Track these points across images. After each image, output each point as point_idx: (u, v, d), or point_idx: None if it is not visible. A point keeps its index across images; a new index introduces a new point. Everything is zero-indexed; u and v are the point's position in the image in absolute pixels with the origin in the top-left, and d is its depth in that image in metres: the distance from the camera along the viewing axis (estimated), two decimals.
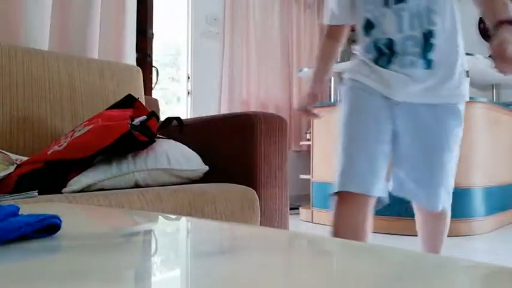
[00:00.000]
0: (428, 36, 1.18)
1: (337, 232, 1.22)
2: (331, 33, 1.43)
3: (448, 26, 1.21)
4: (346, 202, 1.21)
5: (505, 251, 2.38)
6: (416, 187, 1.30)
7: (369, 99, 1.24)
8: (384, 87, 1.23)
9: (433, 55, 1.19)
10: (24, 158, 1.23)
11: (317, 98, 1.44)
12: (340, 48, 1.49)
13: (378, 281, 0.32)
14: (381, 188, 1.23)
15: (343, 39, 1.45)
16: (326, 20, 1.42)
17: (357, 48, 1.32)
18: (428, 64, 1.20)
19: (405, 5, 1.17)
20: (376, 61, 1.24)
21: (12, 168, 1.16)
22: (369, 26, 1.24)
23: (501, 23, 1.06)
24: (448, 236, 1.41)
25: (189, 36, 3.64)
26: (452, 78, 1.23)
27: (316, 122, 3.35)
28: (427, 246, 1.43)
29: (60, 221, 0.46)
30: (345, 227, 1.22)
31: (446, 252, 1.47)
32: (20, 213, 0.47)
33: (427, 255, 0.40)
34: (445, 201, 1.29)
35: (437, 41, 1.18)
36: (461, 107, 1.26)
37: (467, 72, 1.30)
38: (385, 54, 1.23)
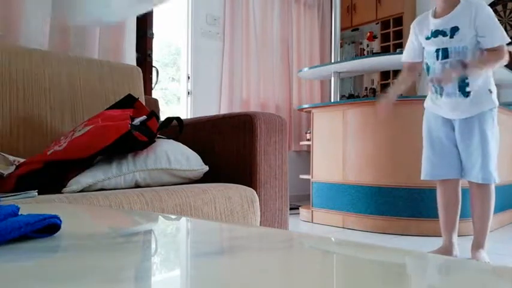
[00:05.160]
0: (462, 77, 1.92)
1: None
2: (408, 67, 2.22)
3: None
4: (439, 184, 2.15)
5: (505, 251, 2.38)
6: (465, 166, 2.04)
7: (435, 120, 2.10)
8: (441, 111, 2.05)
9: (468, 88, 1.94)
10: (22, 160, 1.23)
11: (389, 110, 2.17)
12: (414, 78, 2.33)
13: (378, 281, 0.32)
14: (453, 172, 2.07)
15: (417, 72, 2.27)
16: (403, 58, 2.24)
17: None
18: (466, 94, 1.95)
19: (448, 60, 1.95)
20: (436, 93, 2.03)
21: (12, 169, 1.16)
22: (428, 70, 2.07)
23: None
24: None
25: (189, 36, 3.64)
26: (480, 100, 1.96)
27: (316, 122, 3.35)
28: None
29: (60, 221, 0.46)
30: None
31: None
32: (20, 213, 0.47)
33: (427, 255, 0.40)
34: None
35: (469, 80, 1.92)
36: (490, 114, 1.99)
37: (490, 90, 2.00)
38: (437, 88, 2.01)
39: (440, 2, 2.01)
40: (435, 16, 2.05)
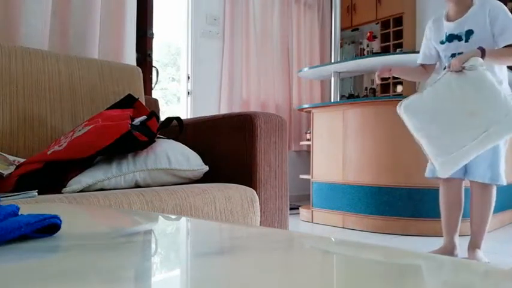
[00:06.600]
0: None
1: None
2: (424, 68, 2.19)
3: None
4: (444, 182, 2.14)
5: (505, 251, 2.38)
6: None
7: None
8: None
9: None
10: (22, 160, 1.23)
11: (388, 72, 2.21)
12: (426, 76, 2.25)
13: (378, 281, 0.32)
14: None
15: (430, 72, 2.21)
16: (419, 60, 2.20)
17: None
18: None
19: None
20: None
21: (12, 169, 1.16)
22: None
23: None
24: None
25: (189, 36, 3.64)
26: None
27: (316, 122, 3.35)
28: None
29: (60, 221, 0.46)
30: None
31: None
32: (20, 213, 0.47)
33: (427, 255, 0.40)
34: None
35: None
36: None
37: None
38: None
39: (452, 4, 1.96)
40: (448, 19, 1.99)
